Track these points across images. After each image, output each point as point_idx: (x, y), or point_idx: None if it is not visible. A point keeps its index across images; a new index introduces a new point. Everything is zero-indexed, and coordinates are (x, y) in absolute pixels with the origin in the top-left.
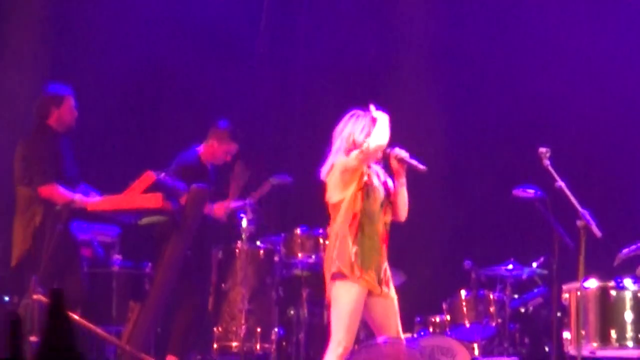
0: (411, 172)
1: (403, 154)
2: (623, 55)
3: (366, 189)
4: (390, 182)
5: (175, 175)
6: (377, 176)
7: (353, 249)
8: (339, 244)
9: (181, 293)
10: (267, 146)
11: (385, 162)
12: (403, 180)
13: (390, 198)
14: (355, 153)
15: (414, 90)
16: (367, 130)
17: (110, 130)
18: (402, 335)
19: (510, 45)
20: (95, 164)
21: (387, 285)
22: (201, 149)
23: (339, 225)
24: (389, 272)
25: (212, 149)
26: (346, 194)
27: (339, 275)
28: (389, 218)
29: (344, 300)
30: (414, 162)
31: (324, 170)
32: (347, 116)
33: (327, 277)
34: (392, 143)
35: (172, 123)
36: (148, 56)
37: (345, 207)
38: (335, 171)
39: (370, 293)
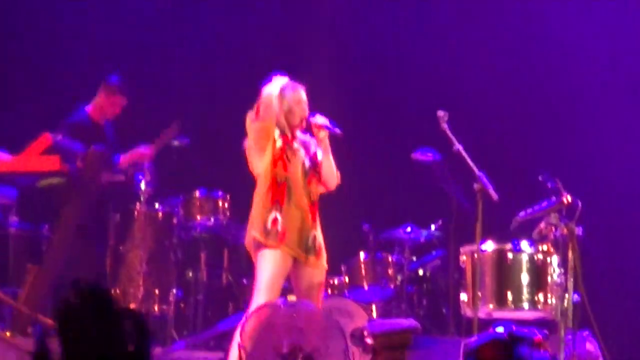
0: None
1: (321, 120)
2: (517, 14)
3: (285, 156)
4: (317, 151)
5: (70, 134)
6: (306, 147)
7: (271, 216)
8: (254, 211)
9: (78, 255)
10: (167, 109)
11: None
12: (326, 147)
13: (317, 169)
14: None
15: (315, 51)
16: (289, 98)
17: (6, 90)
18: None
19: (411, 7)
20: None
21: (318, 255)
22: (90, 107)
23: (256, 192)
24: (320, 241)
25: (101, 103)
26: (264, 160)
27: (256, 244)
28: (315, 189)
29: (263, 267)
30: (331, 127)
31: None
32: (272, 81)
33: (247, 234)
34: (312, 111)
35: (68, 80)
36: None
37: (262, 174)
38: (250, 138)
39: (296, 260)
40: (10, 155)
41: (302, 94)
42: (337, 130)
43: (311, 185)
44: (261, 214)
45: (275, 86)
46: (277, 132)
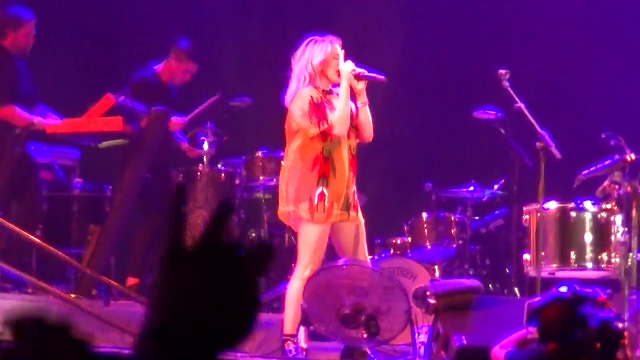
0: (373, 89)
1: (360, 70)
2: None
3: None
4: (353, 106)
5: (133, 94)
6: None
7: (317, 191)
8: (297, 184)
9: (141, 216)
10: (228, 68)
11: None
12: (365, 99)
13: (353, 122)
14: (311, 129)
15: (370, 6)
16: (324, 54)
17: (68, 51)
18: (368, 259)
19: None
20: (54, 85)
21: (355, 209)
22: (160, 67)
23: (293, 165)
24: (356, 196)
25: (171, 67)
26: (312, 132)
27: (299, 219)
28: (354, 142)
29: (309, 240)
30: (373, 75)
31: (287, 96)
32: (305, 42)
33: (283, 204)
34: (349, 60)
35: (132, 45)
36: None
37: (305, 147)
38: (295, 112)
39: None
40: (60, 119)
41: (338, 47)
42: (381, 77)
43: (350, 139)
44: (306, 190)
45: (309, 51)
46: (328, 106)
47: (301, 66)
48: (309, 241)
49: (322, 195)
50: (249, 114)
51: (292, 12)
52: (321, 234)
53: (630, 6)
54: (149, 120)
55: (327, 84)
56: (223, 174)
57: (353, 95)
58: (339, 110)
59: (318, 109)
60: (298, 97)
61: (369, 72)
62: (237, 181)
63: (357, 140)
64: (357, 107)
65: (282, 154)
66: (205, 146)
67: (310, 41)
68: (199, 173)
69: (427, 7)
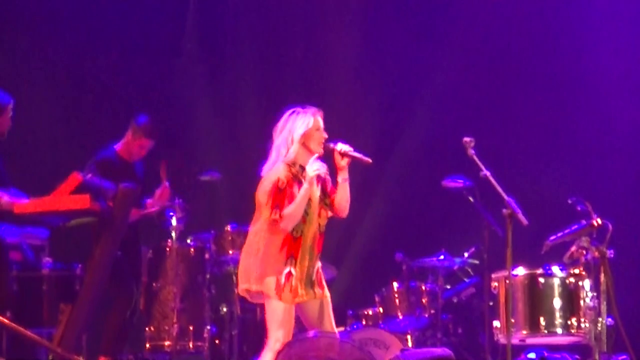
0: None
1: (347, 148)
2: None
3: (305, 211)
4: (328, 180)
5: (99, 173)
6: (318, 175)
7: (285, 271)
8: (264, 262)
9: (112, 293)
10: (196, 143)
11: (327, 157)
12: (346, 175)
13: (327, 198)
14: (265, 213)
15: (341, 80)
16: (306, 126)
17: (35, 133)
18: (336, 330)
19: (435, 37)
20: (22, 167)
21: (320, 285)
22: (119, 145)
23: (261, 241)
24: (320, 271)
25: (129, 144)
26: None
27: (266, 296)
28: (324, 220)
29: (277, 310)
30: (359, 155)
31: (265, 167)
32: (287, 113)
33: (244, 281)
34: (332, 137)
35: (99, 124)
36: (71, 57)
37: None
38: (261, 188)
39: None
40: (28, 199)
41: (320, 120)
42: (367, 159)
43: (321, 216)
44: (273, 269)
45: (292, 122)
46: (295, 189)
47: (282, 138)
48: (277, 317)
49: (289, 275)
50: (217, 188)
51: (262, 84)
52: (288, 309)
53: (599, 68)
54: (118, 197)
55: (307, 157)
56: (192, 249)
57: (336, 169)
58: (292, 209)
59: (278, 196)
60: (268, 177)
61: (354, 151)
62: (207, 256)
63: (328, 217)
64: (337, 182)
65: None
66: (174, 222)
67: (292, 113)
68: (168, 249)
69: (389, 80)
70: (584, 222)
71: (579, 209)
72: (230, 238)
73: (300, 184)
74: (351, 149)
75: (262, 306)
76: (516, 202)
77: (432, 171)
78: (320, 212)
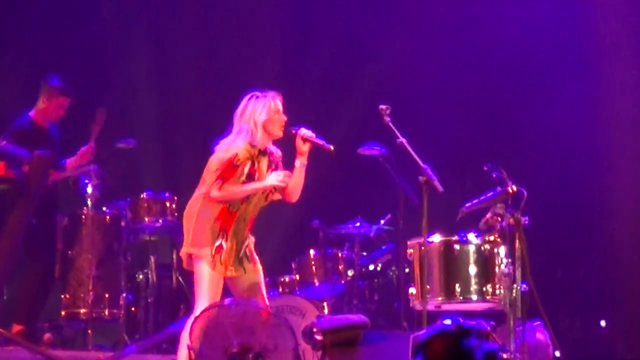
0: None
1: (309, 134)
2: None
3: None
4: (280, 168)
5: (13, 141)
6: (271, 161)
7: (216, 243)
8: (200, 229)
9: (26, 261)
10: (113, 109)
11: (288, 141)
12: (305, 161)
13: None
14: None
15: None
16: (267, 110)
17: None
18: (267, 303)
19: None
20: None
21: (251, 259)
22: (32, 112)
23: (202, 209)
24: (251, 247)
25: (44, 107)
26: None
27: (198, 258)
28: (264, 204)
29: (206, 276)
30: (321, 142)
31: (220, 144)
32: (247, 97)
33: (185, 248)
34: (295, 123)
35: (14, 84)
36: None
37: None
38: (213, 159)
39: None
40: None
41: (279, 103)
42: (328, 146)
43: (267, 200)
44: (207, 238)
45: (252, 107)
46: (247, 167)
47: (244, 122)
48: (205, 284)
49: (219, 248)
50: (133, 155)
51: (181, 58)
52: (217, 278)
53: (513, 34)
54: (32, 164)
55: (267, 140)
56: (108, 217)
57: (296, 153)
58: (232, 191)
59: (228, 169)
60: (227, 148)
61: (317, 137)
62: (123, 223)
63: (281, 198)
64: (295, 166)
65: (167, 195)
66: (89, 189)
67: (252, 97)
68: (83, 216)
69: (314, 42)
70: (499, 189)
71: (494, 175)
72: (146, 205)
73: (252, 166)
74: (313, 135)
75: (178, 273)
76: (432, 169)
77: (347, 138)
78: (268, 196)
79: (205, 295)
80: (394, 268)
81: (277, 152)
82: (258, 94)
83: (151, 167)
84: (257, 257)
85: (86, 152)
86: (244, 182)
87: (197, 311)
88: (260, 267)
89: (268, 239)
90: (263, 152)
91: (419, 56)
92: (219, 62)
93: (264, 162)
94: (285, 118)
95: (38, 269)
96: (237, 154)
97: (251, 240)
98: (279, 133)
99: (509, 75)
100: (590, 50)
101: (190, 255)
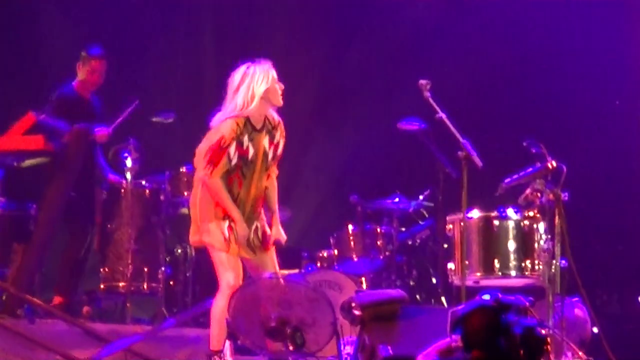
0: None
1: None
2: None
3: (240, 173)
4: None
5: (55, 112)
6: (271, 134)
7: (225, 225)
8: (206, 217)
9: (66, 234)
10: (152, 84)
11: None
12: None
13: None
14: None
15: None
16: (267, 80)
17: None
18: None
19: None
20: None
21: (263, 243)
22: (76, 82)
23: (202, 198)
24: (263, 228)
25: (83, 74)
26: (216, 173)
27: (212, 247)
28: (265, 182)
29: (223, 258)
30: None
31: (214, 120)
32: (243, 68)
33: (196, 237)
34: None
35: (54, 61)
36: None
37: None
38: (205, 142)
39: None
40: None
41: (274, 72)
42: None
43: (269, 178)
44: (215, 224)
45: (250, 78)
46: (232, 148)
47: (242, 92)
48: (225, 264)
49: (230, 228)
50: (173, 129)
51: (219, 32)
52: (235, 260)
53: (552, 19)
54: (71, 138)
55: (265, 110)
56: (147, 190)
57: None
58: (220, 195)
59: (217, 152)
60: (216, 129)
61: None
62: (162, 197)
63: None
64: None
65: None
66: (129, 163)
67: (248, 67)
68: (123, 190)
69: (349, 19)
70: (538, 164)
71: (533, 151)
72: (185, 179)
73: (240, 146)
74: None
75: None
76: (471, 144)
77: (387, 113)
78: (269, 167)
79: (227, 272)
80: (432, 244)
81: (276, 119)
82: (253, 64)
83: (190, 140)
84: (269, 239)
85: (102, 136)
86: (238, 167)
87: (224, 288)
88: (273, 252)
89: (306, 214)
90: (261, 129)
91: (457, 30)
92: (258, 36)
93: (265, 139)
94: (282, 86)
95: (77, 242)
96: (223, 136)
97: (260, 222)
98: (279, 101)
99: (547, 49)
100: (625, 16)
101: (201, 243)
